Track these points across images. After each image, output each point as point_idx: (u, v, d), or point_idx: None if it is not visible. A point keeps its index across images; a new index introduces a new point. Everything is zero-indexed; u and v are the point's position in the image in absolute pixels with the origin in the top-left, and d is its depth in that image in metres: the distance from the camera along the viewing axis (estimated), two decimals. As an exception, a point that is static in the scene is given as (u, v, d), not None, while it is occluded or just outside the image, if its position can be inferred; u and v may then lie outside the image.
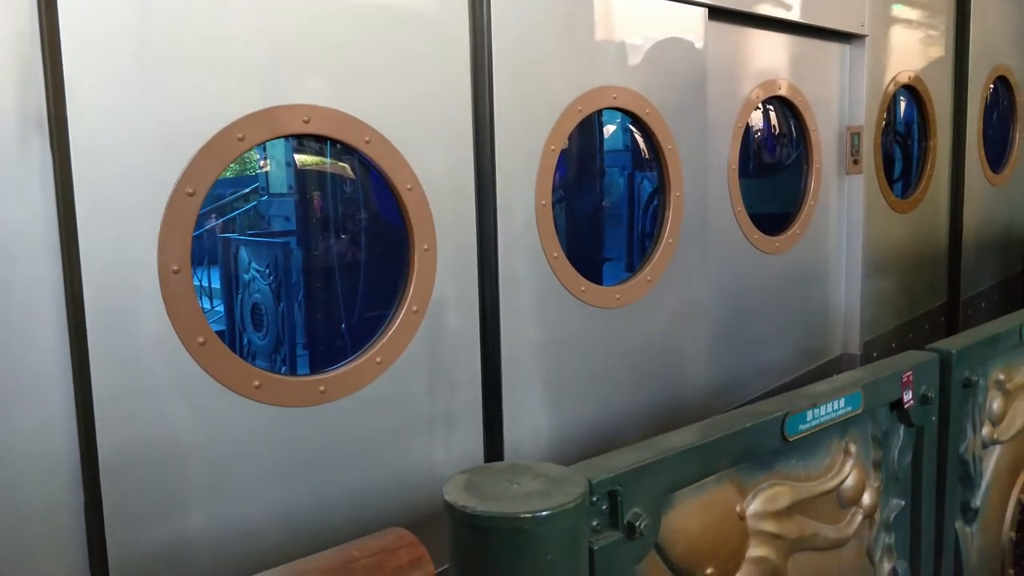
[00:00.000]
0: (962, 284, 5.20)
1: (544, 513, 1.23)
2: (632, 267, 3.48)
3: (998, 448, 2.67)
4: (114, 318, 2.01)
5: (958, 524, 2.52)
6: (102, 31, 1.95)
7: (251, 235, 5.03)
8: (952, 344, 2.45)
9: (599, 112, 3.23)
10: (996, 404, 2.64)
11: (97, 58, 1.95)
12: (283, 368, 4.50)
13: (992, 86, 5.44)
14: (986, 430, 2.61)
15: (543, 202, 2.85)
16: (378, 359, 2.46)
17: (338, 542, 1.60)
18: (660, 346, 3.32)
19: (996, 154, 5.59)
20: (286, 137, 2.41)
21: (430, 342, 2.58)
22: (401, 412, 2.53)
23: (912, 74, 4.60)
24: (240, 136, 2.16)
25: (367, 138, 2.38)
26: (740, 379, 3.81)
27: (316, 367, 4.60)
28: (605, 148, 4.35)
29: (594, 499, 1.43)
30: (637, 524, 1.48)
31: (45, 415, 1.94)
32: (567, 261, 2.95)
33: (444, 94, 2.56)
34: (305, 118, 2.27)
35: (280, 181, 4.68)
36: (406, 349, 2.52)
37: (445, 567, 1.35)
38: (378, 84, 2.41)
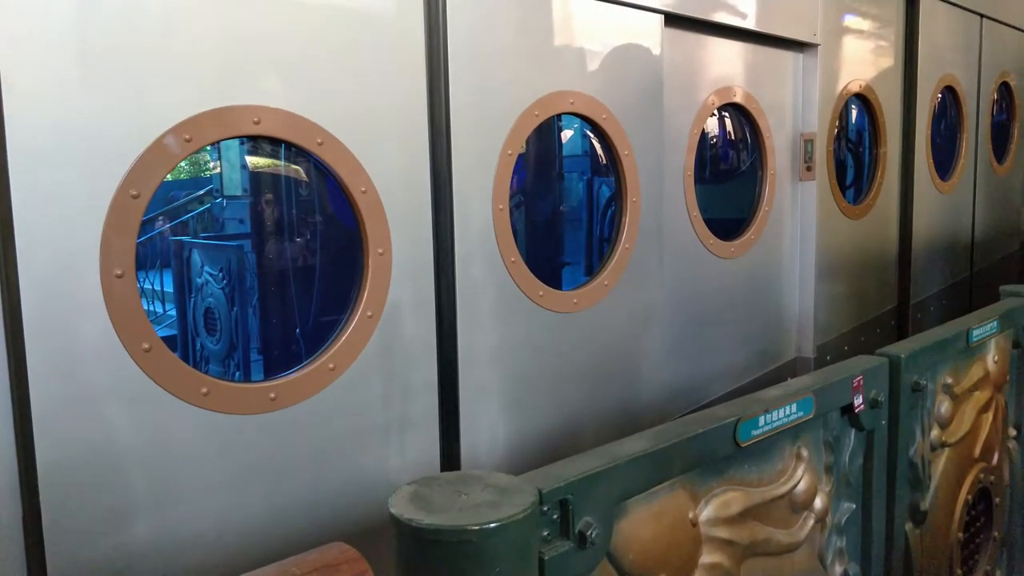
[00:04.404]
0: (912, 288, 5.31)
1: (492, 525, 1.21)
2: (591, 272, 3.49)
3: (946, 451, 2.72)
4: (54, 324, 1.94)
5: (908, 526, 2.56)
6: (40, 25, 1.88)
7: (204, 238, 4.93)
8: (901, 349, 2.49)
9: (557, 117, 3.23)
10: (944, 407, 2.69)
11: (35, 53, 1.88)
12: (237, 374, 4.42)
13: (940, 96, 5.58)
14: (934, 433, 2.66)
15: (500, 206, 2.83)
16: (331, 365, 2.42)
17: (288, 554, 1.56)
18: (618, 350, 3.33)
19: (944, 162, 5.73)
20: (236, 138, 2.35)
21: (385, 348, 2.54)
22: (355, 419, 2.49)
23: (863, 83, 4.69)
24: (187, 137, 2.11)
25: (319, 140, 2.34)
26: (697, 382, 3.84)
27: (271, 373, 4.52)
28: (563, 153, 4.35)
29: (544, 508, 1.41)
30: (588, 533, 1.46)
31: (-21, 425, 1.87)
32: (524, 266, 2.94)
33: (399, 96, 2.53)
34: (255, 119, 2.22)
35: (234, 184, 4.59)
36: (360, 355, 2.48)
37: (392, 581, 1.33)
38: (331, 85, 2.38)
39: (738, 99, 3.92)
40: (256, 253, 4.14)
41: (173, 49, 2.08)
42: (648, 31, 3.35)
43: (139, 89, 2.03)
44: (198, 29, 2.12)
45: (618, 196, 3.32)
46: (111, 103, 1.99)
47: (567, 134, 4.26)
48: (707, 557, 1.81)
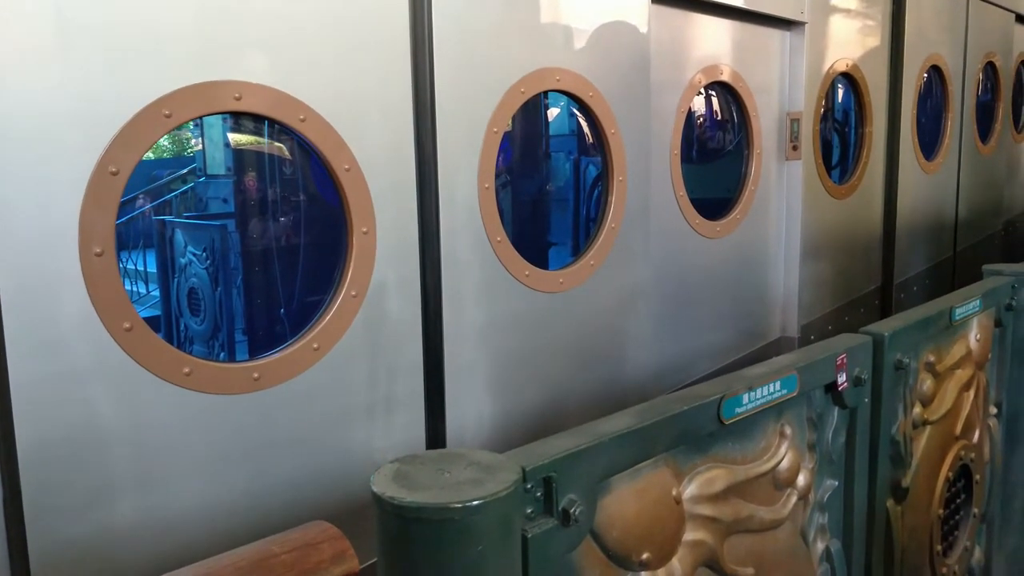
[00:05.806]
0: (895, 268, 5.34)
1: (475, 502, 1.21)
2: (577, 251, 3.48)
3: (928, 428, 2.74)
4: (32, 303, 1.91)
5: (889, 503, 2.58)
6: (14, -1, 1.84)
7: (187, 217, 4.88)
8: (885, 327, 2.50)
9: (544, 95, 3.20)
10: (926, 385, 2.71)
11: (10, 26, 1.84)
12: (222, 354, 4.39)
13: (926, 75, 5.58)
14: (917, 411, 2.68)
15: (486, 185, 2.81)
16: (315, 345, 2.40)
17: (272, 534, 1.56)
18: (604, 329, 3.33)
19: (928, 142, 5.74)
20: (217, 114, 2.32)
21: (370, 327, 2.53)
22: (339, 400, 2.48)
23: (850, 62, 4.68)
24: (167, 113, 2.07)
25: (302, 116, 2.31)
26: (682, 361, 3.85)
27: (254, 353, 4.50)
28: (550, 132, 4.33)
29: (528, 486, 1.41)
30: (572, 510, 1.46)
31: (-44, 406, 1.85)
32: (510, 245, 2.93)
33: (383, 72, 2.50)
34: (236, 95, 2.19)
35: (216, 162, 4.54)
36: (344, 335, 2.47)
37: (374, 561, 1.32)
38: (314, 61, 2.34)
39: (725, 78, 3.90)
40: (239, 232, 4.11)
41: (153, 22, 2.04)
42: (635, 8, 3.32)
43: (118, 63, 1.99)
44: (178, 2, 2.08)
45: (604, 175, 3.30)
46: (89, 77, 1.95)
47: (553, 112, 4.24)
48: (690, 534, 1.82)
